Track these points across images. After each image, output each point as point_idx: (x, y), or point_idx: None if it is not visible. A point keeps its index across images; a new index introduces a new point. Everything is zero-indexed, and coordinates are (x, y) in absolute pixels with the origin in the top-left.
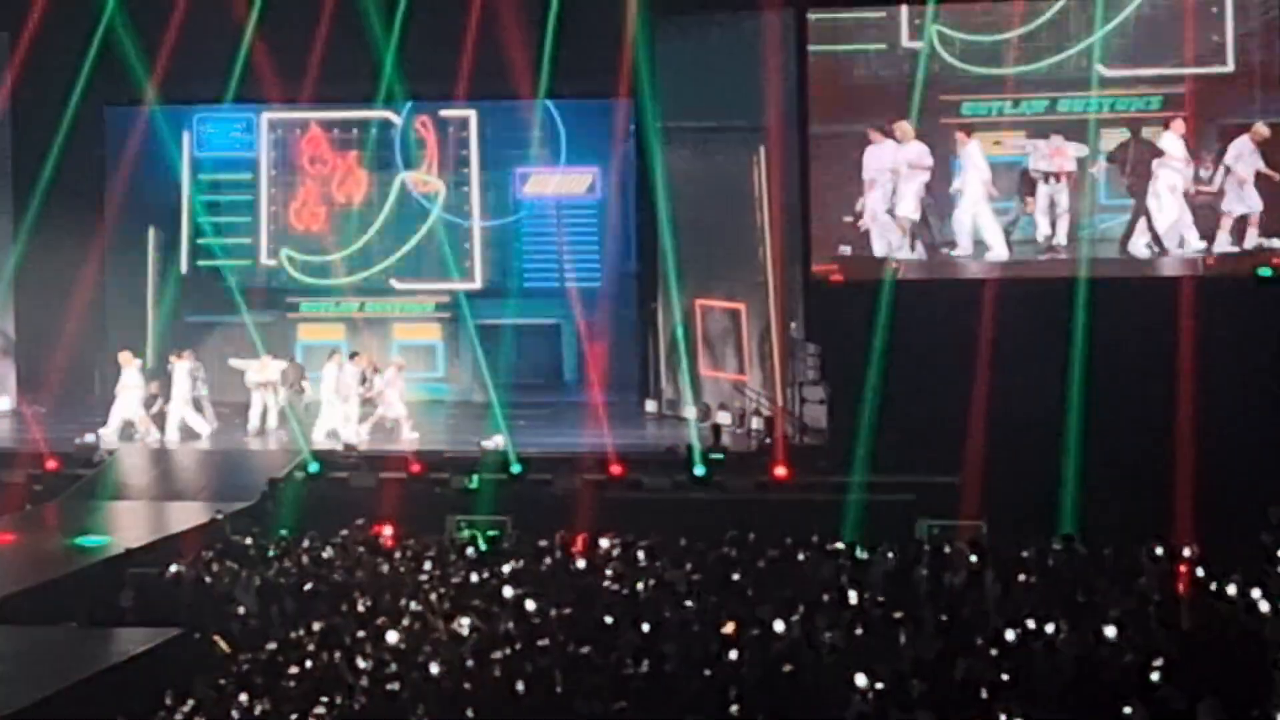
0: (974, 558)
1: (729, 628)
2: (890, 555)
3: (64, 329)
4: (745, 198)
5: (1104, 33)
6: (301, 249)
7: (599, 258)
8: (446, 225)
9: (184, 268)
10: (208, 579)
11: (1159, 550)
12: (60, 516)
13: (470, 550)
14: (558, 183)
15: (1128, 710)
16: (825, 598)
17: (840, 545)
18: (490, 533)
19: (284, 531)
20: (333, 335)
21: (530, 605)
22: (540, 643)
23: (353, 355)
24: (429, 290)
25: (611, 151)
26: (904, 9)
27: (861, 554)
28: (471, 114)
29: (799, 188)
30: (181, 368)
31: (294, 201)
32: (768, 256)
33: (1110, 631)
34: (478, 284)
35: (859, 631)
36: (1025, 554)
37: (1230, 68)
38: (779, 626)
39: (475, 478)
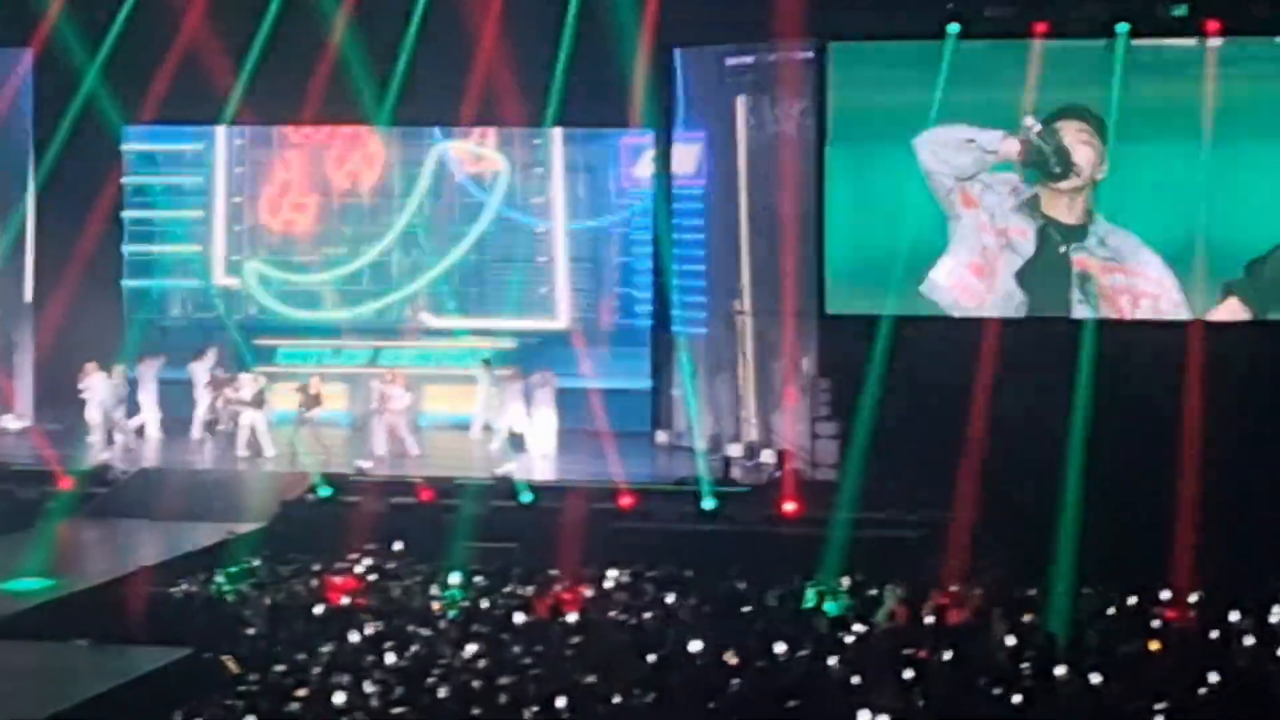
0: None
1: (731, 658)
2: (897, 592)
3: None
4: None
5: None
6: (280, 263)
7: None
8: (509, 228)
9: (123, 290)
10: (219, 599)
11: (1164, 594)
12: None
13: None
14: (679, 158)
15: None
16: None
17: (847, 582)
18: (458, 595)
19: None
20: (327, 399)
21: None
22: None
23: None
24: (482, 331)
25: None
26: None
27: (869, 591)
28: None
29: (815, 212)
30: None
31: (268, 186)
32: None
33: (1097, 679)
34: (562, 322)
35: (865, 667)
36: (1032, 593)
37: None
38: (785, 658)
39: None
